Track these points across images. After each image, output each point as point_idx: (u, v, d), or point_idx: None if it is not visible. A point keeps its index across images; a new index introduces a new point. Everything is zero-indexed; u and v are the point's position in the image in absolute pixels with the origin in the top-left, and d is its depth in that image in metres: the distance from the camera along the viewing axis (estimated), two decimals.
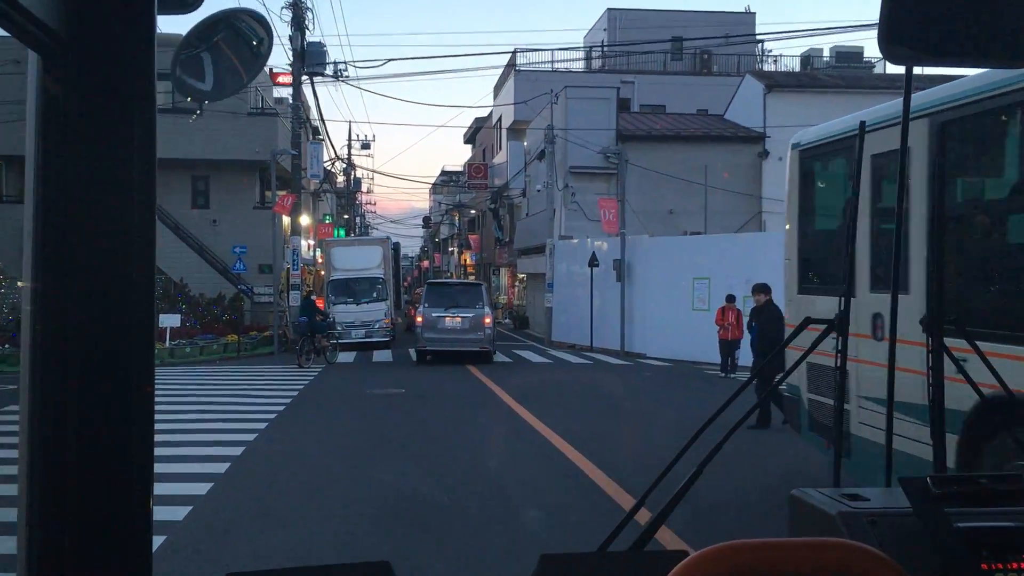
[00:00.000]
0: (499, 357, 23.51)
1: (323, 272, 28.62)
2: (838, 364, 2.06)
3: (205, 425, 11.83)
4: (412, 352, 24.54)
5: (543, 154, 29.67)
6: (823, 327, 1.98)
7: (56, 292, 0.83)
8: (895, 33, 1.41)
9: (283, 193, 26.68)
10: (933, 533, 1.39)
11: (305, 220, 37.95)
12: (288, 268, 26.95)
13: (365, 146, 57.08)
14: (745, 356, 18.19)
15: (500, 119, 45.01)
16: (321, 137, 34.20)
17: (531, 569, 1.40)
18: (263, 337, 26.73)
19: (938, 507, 1.43)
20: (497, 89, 47.85)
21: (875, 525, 1.47)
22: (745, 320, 17.79)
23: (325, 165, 37.58)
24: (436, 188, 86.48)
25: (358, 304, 25.65)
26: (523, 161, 36.93)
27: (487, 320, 21.52)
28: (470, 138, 64.08)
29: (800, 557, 0.96)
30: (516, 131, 40.92)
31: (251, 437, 10.91)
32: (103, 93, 0.85)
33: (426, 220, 64.43)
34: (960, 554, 1.37)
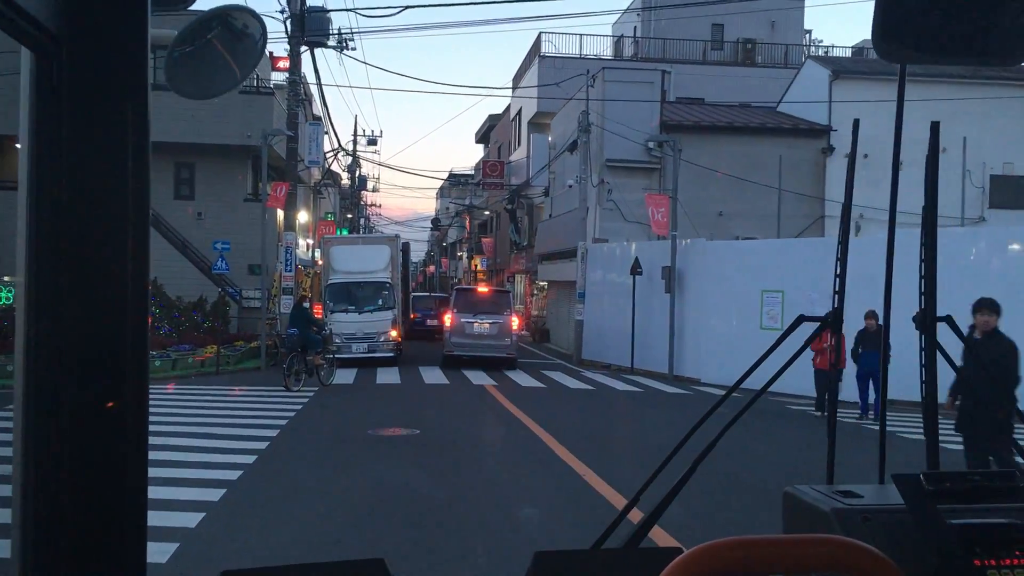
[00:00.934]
0: (526, 379, 19.72)
1: (322, 275, 24.92)
2: (832, 361, 2.22)
3: None
4: (423, 371, 20.79)
5: (575, 145, 25.95)
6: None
7: (50, 289, 0.83)
8: (889, 30, 1.39)
9: (277, 183, 22.92)
10: (926, 530, 1.42)
11: (304, 216, 34.29)
12: (281, 269, 23.26)
13: (371, 142, 53.28)
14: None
15: (520, 112, 41.30)
16: (320, 117, 30.37)
17: (526, 567, 1.41)
18: (249, 349, 22.98)
19: (931, 504, 1.44)
20: (517, 79, 44.15)
21: (869, 521, 1.49)
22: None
23: (326, 155, 33.87)
24: (444, 191, 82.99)
25: (360, 313, 21.90)
26: (547, 156, 33.21)
27: (514, 327, 22.21)
28: (482, 137, 60.34)
29: (794, 554, 0.95)
30: (538, 125, 37.22)
31: (192, 519, 7.14)
32: (97, 91, 0.84)
33: (435, 222, 60.70)
34: (953, 551, 1.38)
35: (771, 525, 1.77)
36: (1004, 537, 1.41)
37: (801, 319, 2.00)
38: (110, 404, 0.85)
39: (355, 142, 49.35)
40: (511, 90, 45.25)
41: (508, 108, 47.34)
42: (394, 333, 22.02)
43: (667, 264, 21.32)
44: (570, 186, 26.09)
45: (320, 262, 26.94)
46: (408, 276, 25.65)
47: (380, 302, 22.00)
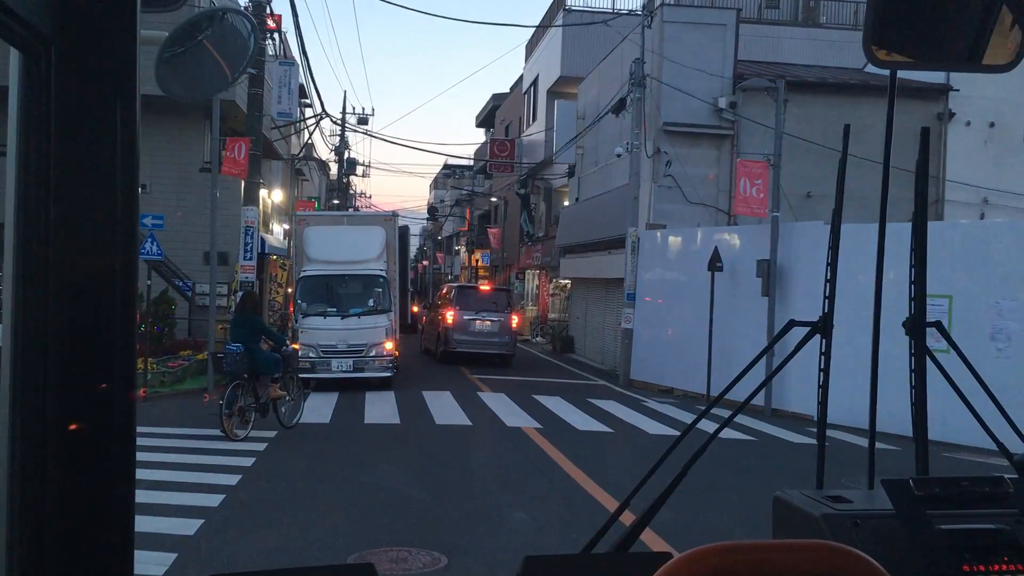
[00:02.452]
0: (574, 413, 13.98)
1: (293, 264, 19.03)
2: (821, 366, 2.05)
3: None
4: (428, 399, 15.08)
5: (621, 105, 20.23)
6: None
7: (37, 290, 0.83)
8: (880, 37, 1.43)
9: (234, 139, 17.02)
10: (915, 535, 1.43)
11: (279, 195, 28.42)
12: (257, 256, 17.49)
13: (362, 120, 47.50)
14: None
15: (536, 82, 35.54)
16: (295, 60, 24.23)
17: (516, 570, 1.39)
18: (196, 361, 17.21)
19: (920, 509, 1.46)
20: (531, 47, 38.42)
21: (858, 527, 1.49)
22: None
23: (306, 120, 28.10)
24: (438, 182, 77.15)
25: (343, 317, 16.15)
26: (574, 128, 27.49)
27: (513, 324, 22.89)
28: (484, 120, 54.46)
29: (784, 559, 0.96)
30: (559, 94, 31.49)
31: None
32: (86, 92, 0.84)
33: (432, 211, 54.84)
34: (942, 556, 1.40)
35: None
36: (993, 543, 1.42)
37: (792, 324, 2.04)
38: (96, 409, 0.84)
39: (343, 120, 43.62)
40: (524, 58, 39.52)
41: (519, 80, 41.57)
42: (390, 345, 16.27)
43: (763, 257, 15.63)
44: (619, 156, 20.39)
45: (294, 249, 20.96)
46: (407, 267, 19.79)
47: (371, 303, 16.23)
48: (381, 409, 13.88)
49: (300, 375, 15.92)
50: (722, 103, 20.03)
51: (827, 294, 2.02)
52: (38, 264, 0.83)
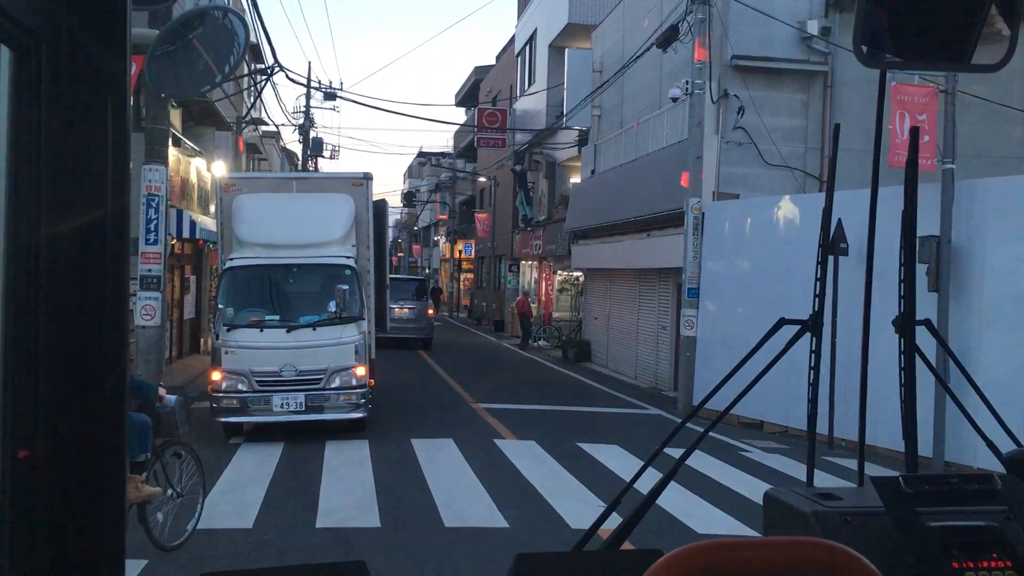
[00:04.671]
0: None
1: (218, 250, 13.31)
2: (812, 364, 2.05)
3: None
4: (424, 459, 9.68)
5: (674, 34, 14.84)
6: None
7: (28, 288, 0.83)
8: (871, 37, 1.44)
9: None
10: (905, 532, 1.44)
11: (221, 169, 22.70)
12: (171, 239, 11.95)
13: (329, 96, 41.78)
14: None
15: (534, 37, 30.07)
16: None
17: (508, 568, 1.38)
18: None
19: (910, 506, 1.47)
20: (523, 3, 33.00)
21: (848, 524, 1.50)
22: None
23: (255, 73, 22.60)
24: (413, 171, 71.39)
25: (290, 330, 10.62)
26: (588, 83, 22.13)
27: (429, 312, 25.04)
28: (465, 97, 48.89)
29: (774, 556, 0.96)
30: (562, 50, 26.07)
31: None
32: (76, 88, 0.84)
33: (409, 196, 49.18)
34: (931, 553, 1.40)
35: None
36: (982, 539, 1.43)
37: (782, 322, 2.00)
38: (87, 409, 0.85)
39: (308, 96, 37.96)
40: (516, 16, 34.08)
41: (509, 43, 36.12)
42: (361, 371, 10.77)
43: (930, 233, 10.34)
44: (674, 100, 14.99)
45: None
46: (386, 254, 14.26)
47: (333, 307, 10.68)
48: (348, 487, 8.39)
49: (224, 418, 10.41)
50: (812, 28, 14.72)
51: (817, 292, 2.03)
52: (30, 261, 0.83)
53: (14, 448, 0.83)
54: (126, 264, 0.88)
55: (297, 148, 39.94)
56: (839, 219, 11.54)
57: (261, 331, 10.57)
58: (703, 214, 14.36)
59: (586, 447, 10.48)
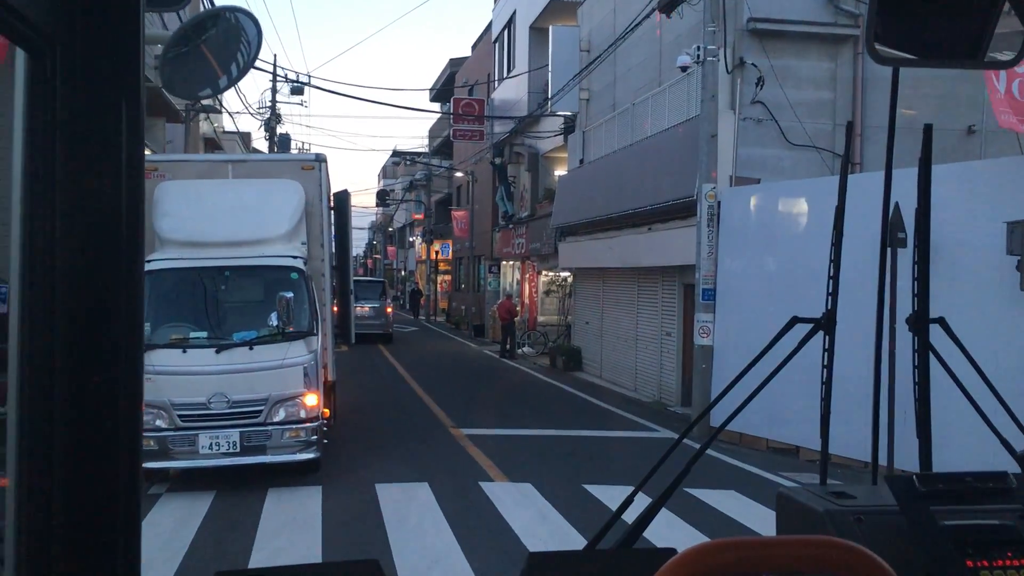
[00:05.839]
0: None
1: None
2: (825, 363, 2.05)
3: None
4: (381, 490, 7.49)
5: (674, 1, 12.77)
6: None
7: (42, 293, 0.83)
8: (883, 35, 1.42)
9: None
10: (919, 531, 1.43)
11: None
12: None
13: (296, 91, 39.46)
14: None
15: (512, 19, 27.94)
16: None
17: (521, 567, 1.36)
18: None
19: (924, 505, 1.45)
20: None
21: (862, 522, 1.51)
22: None
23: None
24: (387, 171, 69.02)
25: (220, 350, 8.42)
26: (576, 64, 20.04)
27: (388, 310, 27.75)
28: (442, 91, 46.61)
29: (788, 554, 0.95)
30: (544, 31, 23.97)
31: None
32: (90, 91, 0.84)
33: (382, 195, 46.82)
34: (945, 552, 1.39)
35: None
36: (996, 538, 1.42)
37: (795, 320, 1.99)
38: (103, 412, 0.84)
39: (274, 90, 35.72)
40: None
41: (487, 30, 34.01)
42: (312, 399, 8.57)
43: (1019, 217, 8.33)
44: (683, 69, 12.89)
45: None
46: (349, 254, 11.97)
47: (275, 320, 8.48)
48: (287, 559, 6.21)
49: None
50: None
51: (830, 290, 2.01)
52: (44, 264, 0.83)
53: (30, 449, 0.83)
54: (141, 266, 0.87)
55: (264, 146, 37.70)
56: (896, 203, 9.52)
57: (184, 352, 8.35)
58: (719, 203, 12.30)
59: (596, 491, 8.37)
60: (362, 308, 24.48)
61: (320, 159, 10.04)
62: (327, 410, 9.06)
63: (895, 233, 9.34)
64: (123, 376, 0.85)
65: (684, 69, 12.75)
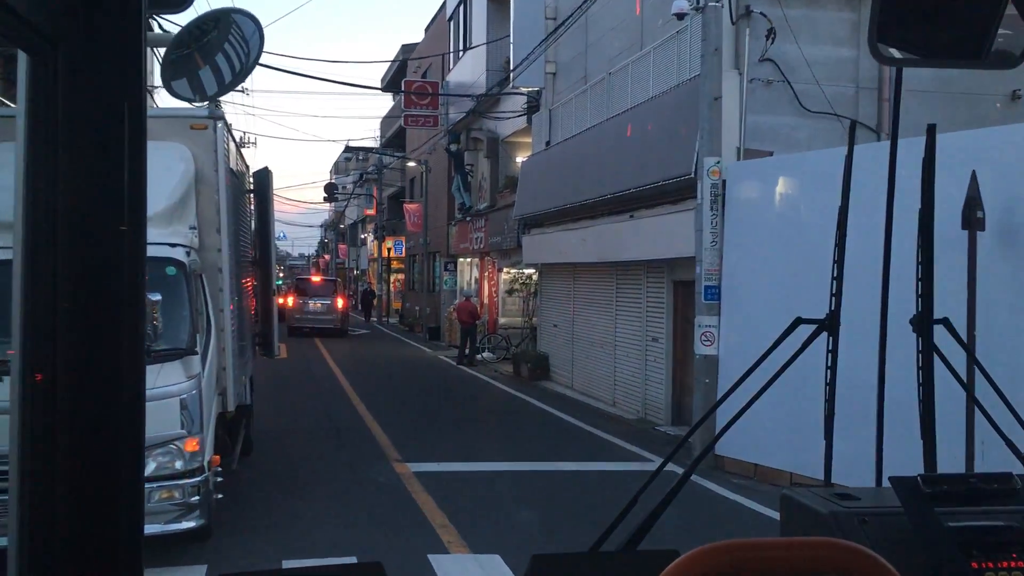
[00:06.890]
0: None
1: None
2: (829, 364, 2.02)
3: None
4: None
5: None
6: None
7: (45, 293, 0.83)
8: (886, 34, 1.39)
9: None
10: (923, 532, 1.40)
11: None
12: None
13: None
14: None
15: None
16: None
17: (524, 568, 1.36)
18: None
19: (928, 506, 1.43)
20: None
21: (866, 524, 1.47)
22: None
23: None
24: (339, 167, 66.19)
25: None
26: (541, 32, 17.72)
27: (339, 306, 29.49)
28: (393, 79, 43.98)
29: (792, 556, 0.95)
30: (502, 4, 21.62)
31: None
32: (93, 93, 0.84)
33: (330, 188, 44.11)
34: (950, 553, 1.37)
35: None
36: (1001, 539, 1.40)
37: (799, 321, 1.97)
38: (105, 418, 0.84)
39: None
40: None
41: (441, 9, 31.56)
42: (193, 445, 6.13)
43: None
44: (680, 18, 10.60)
45: None
46: (271, 242, 9.42)
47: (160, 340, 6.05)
48: None
49: None
50: None
51: (834, 291, 2.00)
52: (46, 265, 0.83)
53: (33, 449, 0.83)
54: (143, 266, 0.87)
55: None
56: (972, 172, 7.35)
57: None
58: (723, 181, 10.06)
59: None
60: (315, 304, 28.41)
61: (217, 117, 7.57)
62: (218, 456, 6.60)
63: (974, 212, 7.24)
64: (125, 376, 0.84)
65: (680, 17, 10.47)
